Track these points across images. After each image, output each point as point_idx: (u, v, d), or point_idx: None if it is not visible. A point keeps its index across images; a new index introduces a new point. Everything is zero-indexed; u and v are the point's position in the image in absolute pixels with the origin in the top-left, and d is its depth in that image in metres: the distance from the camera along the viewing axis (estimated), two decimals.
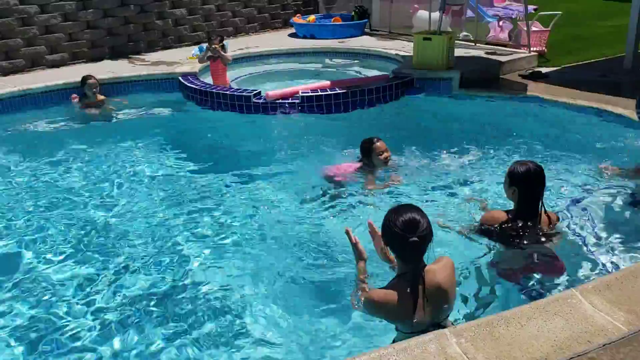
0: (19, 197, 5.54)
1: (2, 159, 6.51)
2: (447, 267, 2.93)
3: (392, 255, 3.13)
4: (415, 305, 2.81)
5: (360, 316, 3.44)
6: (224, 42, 9.00)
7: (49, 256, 4.50)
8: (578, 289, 2.93)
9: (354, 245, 3.26)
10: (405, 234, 2.79)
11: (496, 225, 3.77)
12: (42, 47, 9.25)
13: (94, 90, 7.77)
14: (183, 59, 9.40)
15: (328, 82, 7.69)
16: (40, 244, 4.68)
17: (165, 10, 10.51)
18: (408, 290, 2.82)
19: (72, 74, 8.58)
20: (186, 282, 4.12)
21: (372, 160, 5.32)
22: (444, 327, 2.82)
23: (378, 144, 5.30)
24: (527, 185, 3.67)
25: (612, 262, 3.83)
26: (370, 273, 3.32)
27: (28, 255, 4.54)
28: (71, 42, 9.54)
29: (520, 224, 3.70)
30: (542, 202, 3.72)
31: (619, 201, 4.70)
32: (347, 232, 3.29)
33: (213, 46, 8.12)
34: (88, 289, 4.07)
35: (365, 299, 2.95)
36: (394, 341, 2.93)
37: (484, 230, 3.85)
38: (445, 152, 6.04)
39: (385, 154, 5.31)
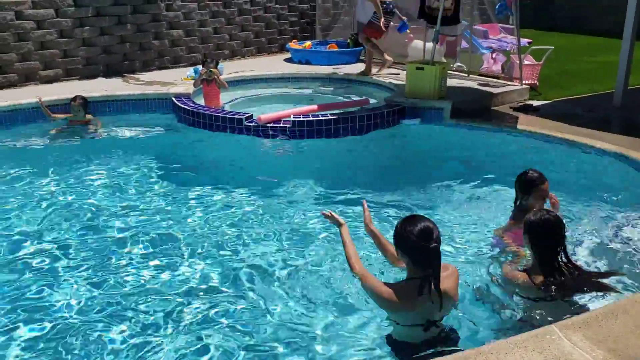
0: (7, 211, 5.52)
1: None
2: (454, 275, 3.16)
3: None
4: (420, 307, 3.00)
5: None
6: (220, 64, 9.05)
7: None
8: (557, 325, 2.90)
9: (330, 217, 3.70)
10: (425, 243, 2.96)
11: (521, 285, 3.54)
12: (36, 63, 9.27)
13: (78, 109, 7.75)
14: (177, 80, 9.42)
15: (315, 106, 7.76)
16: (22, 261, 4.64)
17: (162, 30, 10.58)
18: (416, 293, 2.98)
19: (64, 90, 8.59)
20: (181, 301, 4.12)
21: (530, 200, 4.31)
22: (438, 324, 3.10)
23: (544, 186, 4.30)
24: (541, 235, 3.51)
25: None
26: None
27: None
28: (66, 58, 9.56)
29: (546, 282, 3.45)
30: (564, 253, 3.51)
31: (602, 238, 4.69)
32: (323, 213, 3.75)
33: (210, 71, 8.15)
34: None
35: (375, 292, 3.10)
36: (390, 335, 3.20)
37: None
38: (432, 184, 6.06)
39: (544, 199, 4.35)
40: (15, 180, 6.27)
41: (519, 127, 7.26)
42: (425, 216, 3.12)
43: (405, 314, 3.07)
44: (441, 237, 3.07)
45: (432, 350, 3.05)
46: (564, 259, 3.52)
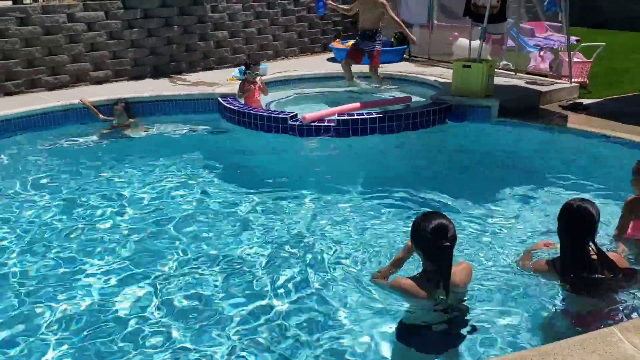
0: (50, 209, 5.66)
1: (41, 170, 6.70)
2: (466, 269, 3.32)
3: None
4: (434, 296, 3.13)
5: None
6: (263, 65, 9.09)
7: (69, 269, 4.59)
8: (618, 327, 2.82)
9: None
10: (438, 240, 3.06)
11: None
12: (86, 64, 9.51)
13: (121, 114, 7.93)
14: (223, 80, 9.54)
15: (358, 104, 7.75)
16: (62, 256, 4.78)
17: (207, 32, 10.73)
18: (433, 285, 3.12)
19: (113, 90, 8.80)
20: (214, 296, 4.16)
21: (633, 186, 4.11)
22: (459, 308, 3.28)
23: None
24: (567, 222, 3.41)
25: None
26: None
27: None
28: (115, 59, 9.79)
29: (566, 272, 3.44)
30: (593, 244, 3.39)
31: None
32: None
33: (257, 79, 8.27)
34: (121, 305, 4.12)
35: (394, 284, 3.30)
36: (401, 322, 3.34)
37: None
38: (479, 183, 5.99)
39: None
40: (65, 177, 6.45)
41: (569, 125, 7.11)
42: (443, 213, 3.21)
43: (423, 303, 3.19)
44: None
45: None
46: (594, 254, 3.39)
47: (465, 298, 3.40)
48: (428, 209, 5.27)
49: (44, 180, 6.39)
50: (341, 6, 10.03)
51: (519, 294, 3.88)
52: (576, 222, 3.39)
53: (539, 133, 7.12)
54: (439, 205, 5.46)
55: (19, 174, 6.56)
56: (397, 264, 3.54)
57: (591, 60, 9.48)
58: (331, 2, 9.48)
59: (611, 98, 8.56)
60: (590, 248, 3.39)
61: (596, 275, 3.37)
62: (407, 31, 9.42)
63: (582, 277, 3.39)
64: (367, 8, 9.02)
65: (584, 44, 9.99)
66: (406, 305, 3.38)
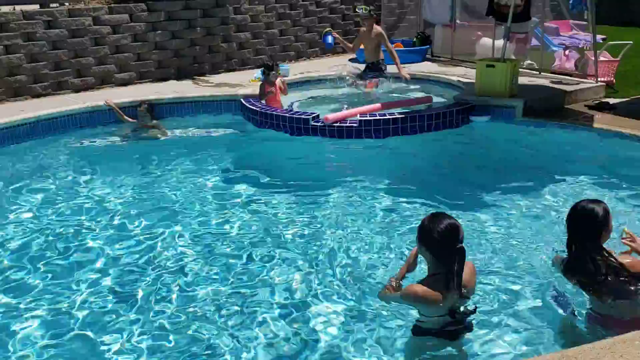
0: (73, 209, 5.74)
1: (66, 171, 6.82)
2: (471, 270, 3.25)
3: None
4: (446, 299, 3.08)
5: None
6: (286, 66, 9.07)
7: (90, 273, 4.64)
8: None
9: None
10: (450, 242, 3.02)
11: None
12: (112, 66, 9.63)
13: (144, 114, 8.01)
14: (245, 81, 9.58)
15: (379, 105, 7.72)
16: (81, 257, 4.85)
17: (230, 33, 10.79)
18: (443, 288, 3.06)
19: (138, 92, 8.89)
20: (234, 297, 4.18)
21: None
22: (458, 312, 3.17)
23: None
24: (569, 222, 3.38)
25: None
26: None
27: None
28: (139, 62, 9.89)
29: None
30: (596, 250, 3.31)
31: None
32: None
33: (276, 80, 8.22)
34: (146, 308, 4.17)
35: (408, 291, 3.16)
36: (415, 327, 3.28)
37: None
38: (504, 184, 5.93)
39: None
40: (90, 178, 6.54)
41: (595, 125, 7.01)
42: (450, 215, 3.16)
43: (434, 307, 3.13)
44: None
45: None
46: (598, 255, 3.30)
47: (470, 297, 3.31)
48: (445, 210, 5.28)
49: (68, 181, 6.48)
50: (347, 43, 9.60)
51: (541, 296, 3.85)
52: (577, 223, 3.35)
53: (565, 133, 7.05)
54: (459, 206, 5.42)
55: (44, 175, 6.66)
56: (404, 276, 3.46)
57: (618, 59, 9.34)
58: (337, 36, 9.36)
59: (638, 97, 8.42)
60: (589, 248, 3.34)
61: (592, 275, 3.31)
62: (400, 67, 9.14)
63: (583, 277, 3.35)
64: (367, 39, 8.95)
65: (610, 42, 9.84)
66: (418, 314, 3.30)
